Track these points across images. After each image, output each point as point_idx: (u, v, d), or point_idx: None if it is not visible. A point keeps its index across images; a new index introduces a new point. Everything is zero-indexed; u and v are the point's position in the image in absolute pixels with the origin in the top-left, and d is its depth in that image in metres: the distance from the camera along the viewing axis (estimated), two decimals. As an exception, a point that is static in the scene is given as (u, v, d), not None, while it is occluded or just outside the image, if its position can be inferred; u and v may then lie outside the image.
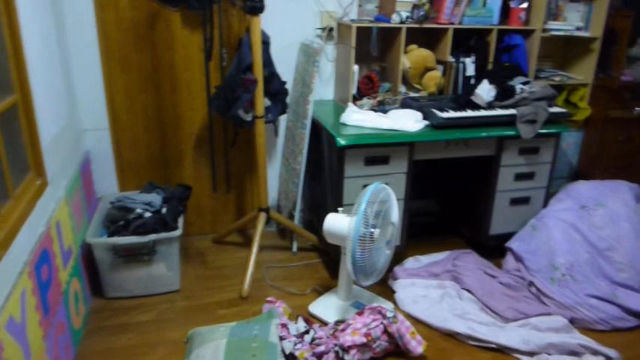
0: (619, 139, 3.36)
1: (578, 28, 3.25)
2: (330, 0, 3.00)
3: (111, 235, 2.54)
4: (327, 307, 2.51)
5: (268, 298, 2.53)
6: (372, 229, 2.22)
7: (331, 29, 3.01)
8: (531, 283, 2.66)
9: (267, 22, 2.70)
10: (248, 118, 2.72)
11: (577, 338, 2.32)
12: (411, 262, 2.89)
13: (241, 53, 2.66)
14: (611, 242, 2.65)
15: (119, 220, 2.59)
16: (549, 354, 2.24)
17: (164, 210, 2.69)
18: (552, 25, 3.19)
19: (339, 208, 2.44)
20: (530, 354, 2.26)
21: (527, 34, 3.12)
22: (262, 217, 2.85)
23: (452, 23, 2.95)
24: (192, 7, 2.71)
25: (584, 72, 3.36)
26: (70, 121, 2.52)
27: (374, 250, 2.25)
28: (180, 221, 2.66)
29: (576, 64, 3.41)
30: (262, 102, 2.67)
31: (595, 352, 2.24)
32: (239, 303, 2.61)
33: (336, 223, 2.34)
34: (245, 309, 2.55)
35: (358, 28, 2.77)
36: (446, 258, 2.88)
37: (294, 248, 3.08)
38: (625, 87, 3.54)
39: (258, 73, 2.60)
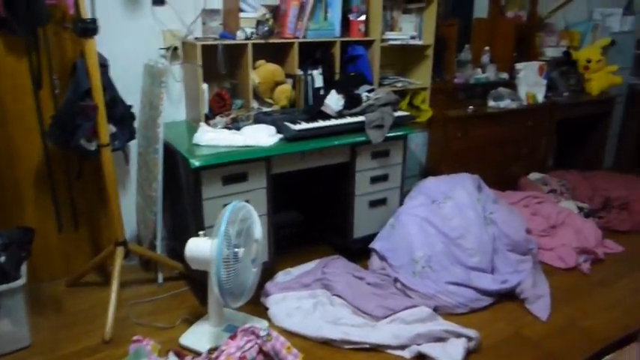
0: (458, 136, 3.68)
1: (412, 37, 3.50)
2: (172, 19, 2.91)
3: (-64, 296, 2.19)
4: (199, 336, 2.40)
5: (134, 338, 2.34)
6: (236, 249, 2.17)
7: (175, 48, 2.92)
8: (396, 279, 2.79)
9: (104, 43, 2.55)
10: (92, 147, 2.53)
11: (441, 325, 2.46)
12: (281, 276, 2.88)
13: (77, 78, 2.47)
14: (461, 231, 2.88)
15: (-54, 278, 2.25)
16: (418, 344, 2.35)
17: (3, 258, 2.38)
18: (389, 35, 3.41)
19: (200, 232, 2.35)
20: (402, 347, 2.36)
21: (367, 44, 3.30)
22: (120, 251, 2.66)
23: (296, 37, 3.01)
24: (15, 32, 2.46)
25: (422, 77, 3.62)
26: None
27: (240, 270, 2.20)
28: (24, 269, 2.38)
29: (415, 70, 3.68)
30: (106, 129, 2.50)
31: (458, 335, 2.39)
32: (102, 348, 2.39)
33: (198, 247, 2.25)
34: (109, 354, 2.35)
35: (203, 46, 2.72)
36: (315, 267, 2.92)
37: (160, 279, 2.91)
38: (458, 88, 3.90)
39: (99, 98, 2.43)
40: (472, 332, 2.40)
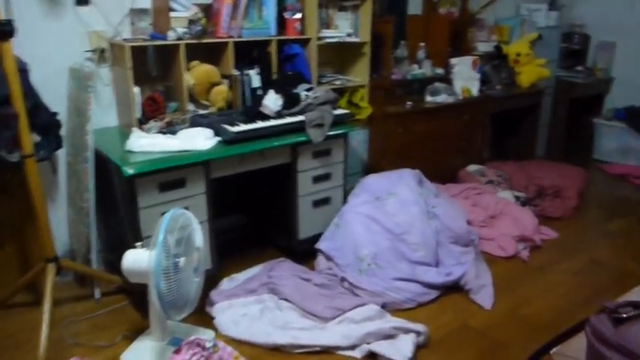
0: (398, 132, 3.71)
1: (348, 35, 3.49)
2: (97, 19, 2.76)
3: None
4: (141, 352, 2.29)
5: (72, 359, 2.21)
6: (176, 259, 2.08)
7: (103, 50, 2.77)
8: (343, 279, 2.77)
9: (23, 47, 2.38)
10: (14, 158, 2.35)
11: (389, 322, 2.46)
12: (226, 283, 2.80)
13: (-7, 85, 2.29)
14: (405, 226, 2.89)
15: None
16: (368, 343, 2.34)
17: None
18: (326, 33, 3.38)
19: (138, 243, 2.24)
20: (352, 347, 2.34)
21: (304, 43, 3.26)
22: (51, 268, 2.48)
23: (231, 36, 2.93)
24: None
25: (360, 74, 3.63)
26: None
27: (181, 280, 2.11)
28: (-59, 294, 2.20)
29: (353, 68, 3.68)
30: (29, 138, 2.33)
31: (407, 331, 2.39)
32: (36, 373, 2.24)
33: (136, 259, 2.14)
34: (44, 378, 2.20)
35: (132, 47, 2.60)
36: (261, 271, 2.85)
37: (97, 295, 2.76)
38: (396, 85, 3.93)
39: (19, 105, 2.25)
40: (420, 327, 2.41)
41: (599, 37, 5.54)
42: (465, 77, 4.23)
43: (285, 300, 2.60)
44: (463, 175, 4.19)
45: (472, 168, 4.27)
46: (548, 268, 3.16)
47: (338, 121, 2.97)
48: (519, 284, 2.97)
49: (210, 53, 2.98)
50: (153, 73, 2.71)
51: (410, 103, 3.86)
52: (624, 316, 0.78)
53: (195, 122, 2.71)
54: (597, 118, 5.48)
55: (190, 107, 2.89)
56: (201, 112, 2.89)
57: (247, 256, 3.12)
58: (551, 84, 5.07)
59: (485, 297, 2.77)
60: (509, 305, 2.75)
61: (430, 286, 2.77)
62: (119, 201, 2.53)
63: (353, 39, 3.49)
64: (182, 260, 2.11)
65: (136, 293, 2.65)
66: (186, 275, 2.17)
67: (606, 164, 5.21)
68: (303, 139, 2.80)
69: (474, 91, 4.26)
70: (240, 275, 2.88)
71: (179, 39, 2.75)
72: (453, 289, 2.84)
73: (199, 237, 2.26)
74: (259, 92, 2.99)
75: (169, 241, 2.06)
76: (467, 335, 2.51)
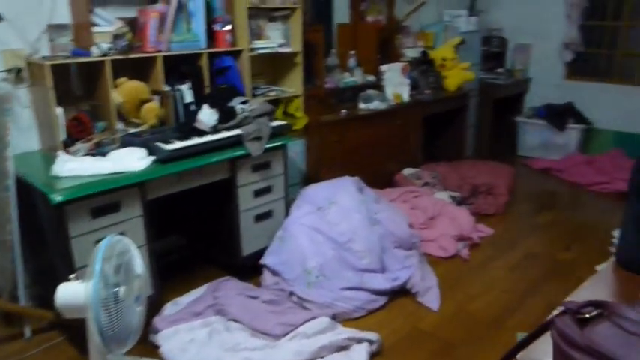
0: (334, 140, 3.72)
1: (280, 45, 3.46)
2: (11, 36, 2.57)
3: None
4: (82, 391, 2.14)
5: (2, 407, 2.03)
6: (116, 288, 1.96)
7: (19, 70, 2.59)
8: (291, 293, 2.72)
9: None
10: None
11: (341, 333, 2.44)
12: (169, 308, 2.66)
13: None
14: (349, 235, 2.89)
15: None
16: (322, 357, 2.31)
17: None
18: (257, 44, 3.34)
19: (71, 275, 2.09)
20: (307, 363, 2.30)
21: (236, 55, 3.20)
22: (-27, 309, 2.29)
23: (159, 51, 2.83)
24: None
25: (294, 84, 3.61)
26: None
27: (123, 311, 1.98)
28: None
29: (287, 78, 3.65)
30: (-60, 169, 2.13)
31: (360, 341, 2.39)
32: None
33: (70, 293, 1.97)
34: None
35: (53, 65, 2.44)
36: (205, 292, 2.74)
37: (27, 333, 2.55)
38: (330, 93, 3.94)
39: None
40: (373, 335, 2.41)
41: (516, 40, 5.85)
42: (396, 83, 4.31)
43: (234, 320, 2.52)
44: (400, 179, 4.26)
45: (408, 172, 4.35)
46: (487, 265, 3.26)
47: (275, 133, 2.93)
48: (462, 282, 3.04)
49: (138, 69, 2.85)
50: (77, 92, 2.55)
51: (344, 110, 3.88)
52: (587, 316, 0.79)
53: (127, 142, 2.59)
54: (519, 116, 5.77)
55: (120, 126, 2.74)
56: (132, 130, 2.76)
57: (190, 278, 3.00)
58: (475, 86, 5.28)
59: (431, 298, 2.82)
60: (455, 304, 2.81)
61: (378, 292, 2.78)
62: (48, 231, 2.35)
63: (285, 49, 3.47)
64: (122, 289, 1.98)
65: (72, 327, 2.48)
66: (128, 304, 2.04)
67: (530, 160, 5.48)
68: (241, 153, 2.74)
69: (405, 96, 4.35)
70: (183, 298, 2.76)
71: (104, 55, 2.61)
72: (401, 293, 2.87)
73: (139, 263, 2.13)
74: (193, 107, 2.89)
75: (107, 270, 1.94)
76: (417, 338, 2.54)
